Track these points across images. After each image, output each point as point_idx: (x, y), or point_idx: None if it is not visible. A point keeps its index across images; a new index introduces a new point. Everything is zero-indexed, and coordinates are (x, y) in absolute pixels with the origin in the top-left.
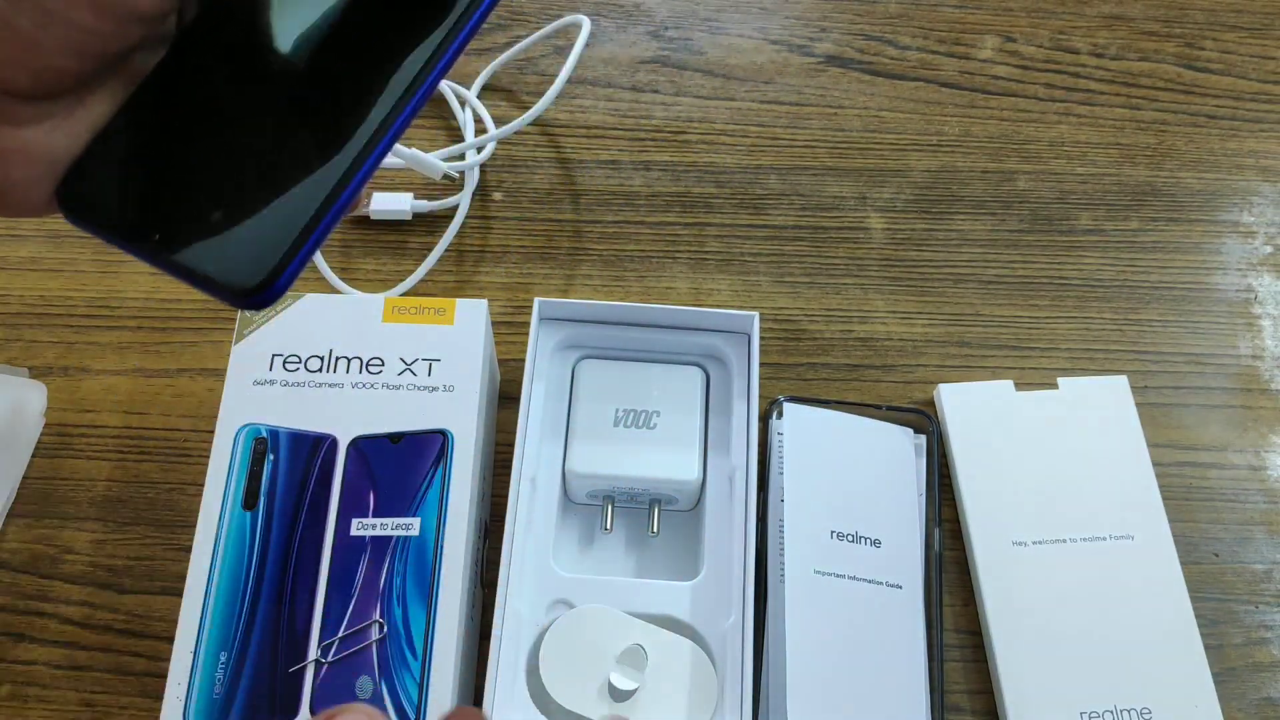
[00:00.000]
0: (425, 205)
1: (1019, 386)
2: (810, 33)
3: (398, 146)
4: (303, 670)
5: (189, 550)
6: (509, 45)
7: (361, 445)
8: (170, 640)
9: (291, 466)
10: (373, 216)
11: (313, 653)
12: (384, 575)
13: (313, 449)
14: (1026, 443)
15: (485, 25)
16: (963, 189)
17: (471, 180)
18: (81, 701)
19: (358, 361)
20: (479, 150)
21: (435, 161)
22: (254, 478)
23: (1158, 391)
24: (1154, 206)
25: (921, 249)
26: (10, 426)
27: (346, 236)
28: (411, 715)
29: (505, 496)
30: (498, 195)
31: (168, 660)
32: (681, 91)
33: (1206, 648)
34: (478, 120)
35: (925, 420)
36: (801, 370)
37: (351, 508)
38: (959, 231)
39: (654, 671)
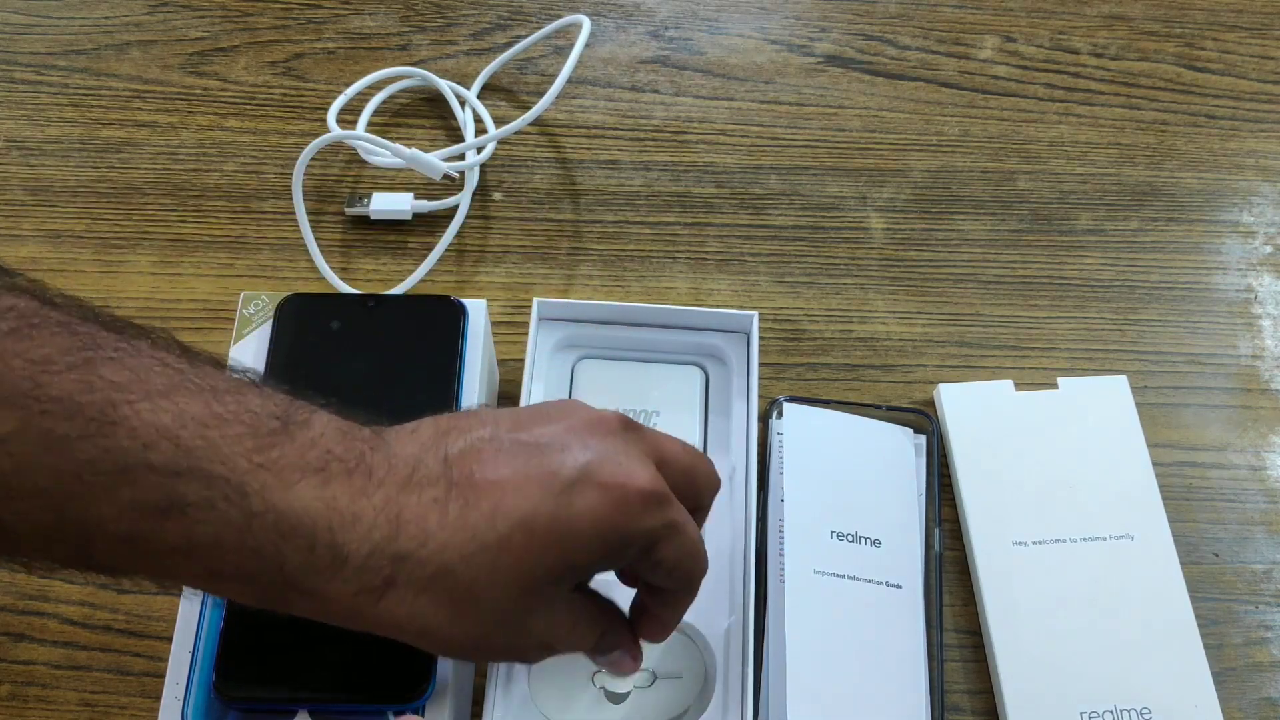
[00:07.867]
0: (425, 205)
1: (1019, 386)
2: (810, 33)
3: (398, 146)
4: None
5: None
6: (509, 45)
7: None
8: (169, 640)
9: None
10: (373, 217)
11: None
12: None
13: None
14: (1026, 443)
15: (485, 25)
16: (962, 189)
17: (471, 180)
18: (81, 701)
19: None
20: (479, 150)
21: (435, 161)
22: None
23: (1158, 391)
24: (1154, 206)
25: (921, 249)
26: None
27: (347, 236)
28: None
29: None
30: (498, 195)
31: (167, 660)
32: (681, 91)
33: (1206, 648)
34: (478, 120)
35: (925, 420)
36: (801, 370)
37: None
38: (959, 231)
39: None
